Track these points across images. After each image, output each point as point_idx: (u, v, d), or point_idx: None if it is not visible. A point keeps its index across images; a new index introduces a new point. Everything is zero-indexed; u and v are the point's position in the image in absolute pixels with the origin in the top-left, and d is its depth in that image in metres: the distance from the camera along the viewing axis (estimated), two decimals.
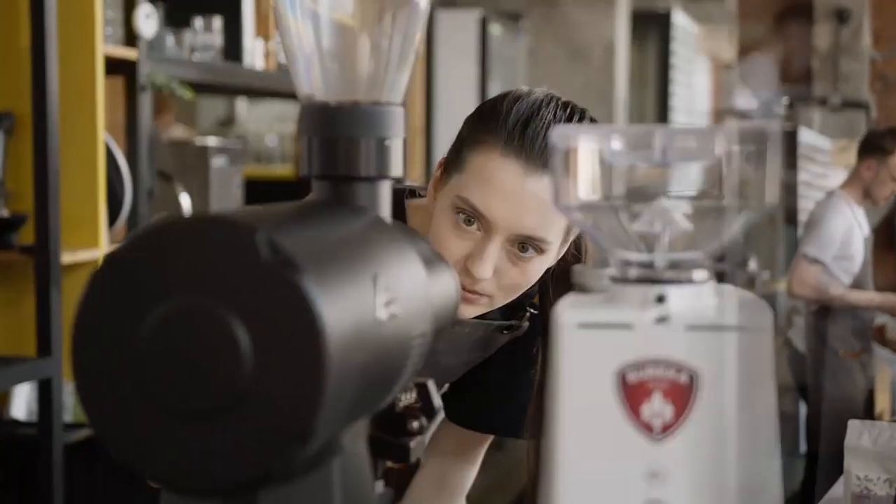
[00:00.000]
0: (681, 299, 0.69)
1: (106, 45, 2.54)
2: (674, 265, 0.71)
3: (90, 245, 2.47)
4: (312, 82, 0.80)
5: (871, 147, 4.31)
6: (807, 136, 6.92)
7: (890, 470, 1.92)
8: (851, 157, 8.42)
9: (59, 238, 2.33)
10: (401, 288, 0.72)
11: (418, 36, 0.83)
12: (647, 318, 0.68)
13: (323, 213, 0.74)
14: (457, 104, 5.03)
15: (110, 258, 0.63)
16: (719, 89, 9.52)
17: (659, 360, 0.67)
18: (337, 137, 0.78)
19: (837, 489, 2.18)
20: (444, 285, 0.85)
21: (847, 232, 4.28)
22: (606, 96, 5.68)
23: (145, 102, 2.67)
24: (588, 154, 0.70)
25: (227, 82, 3.15)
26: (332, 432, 0.66)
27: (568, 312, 0.68)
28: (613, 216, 0.71)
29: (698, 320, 0.68)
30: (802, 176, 6.66)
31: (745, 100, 5.68)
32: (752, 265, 5.51)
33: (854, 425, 1.98)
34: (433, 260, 0.85)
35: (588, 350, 0.68)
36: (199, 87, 3.23)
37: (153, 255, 0.62)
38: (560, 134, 0.70)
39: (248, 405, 0.61)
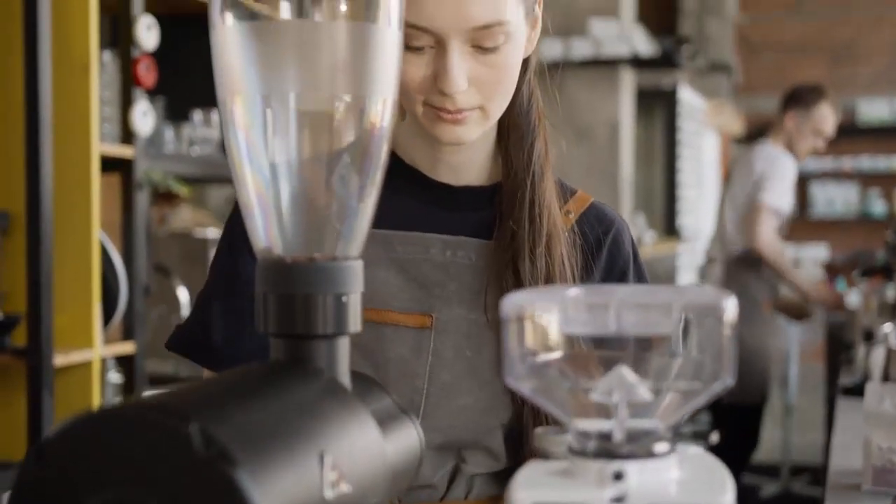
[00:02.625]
0: (641, 474, 0.66)
1: (103, 144, 2.54)
2: (634, 436, 0.68)
3: (84, 346, 2.46)
4: (269, 236, 0.78)
5: (795, 100, 4.38)
6: (686, 95, 6.96)
7: None
8: (723, 117, 8.43)
9: (52, 341, 2.31)
10: (352, 461, 0.69)
11: (377, 181, 0.81)
12: (604, 497, 0.65)
13: (271, 383, 0.71)
14: None
15: (39, 449, 0.61)
16: (728, 161, 9.54)
17: None
18: (293, 294, 0.76)
19: (852, 461, 1.95)
20: (404, 441, 0.82)
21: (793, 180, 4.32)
22: (611, 175, 5.68)
23: (142, 199, 2.67)
24: (542, 321, 0.68)
25: (226, 175, 3.15)
26: None
27: (522, 491, 0.66)
28: (569, 385, 0.69)
29: (658, 499, 0.65)
30: (680, 136, 6.78)
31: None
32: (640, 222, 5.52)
33: (873, 388, 1.79)
34: (393, 415, 0.82)
35: None
36: (198, 180, 3.24)
37: (83, 447, 0.60)
38: (512, 302, 0.68)
39: None
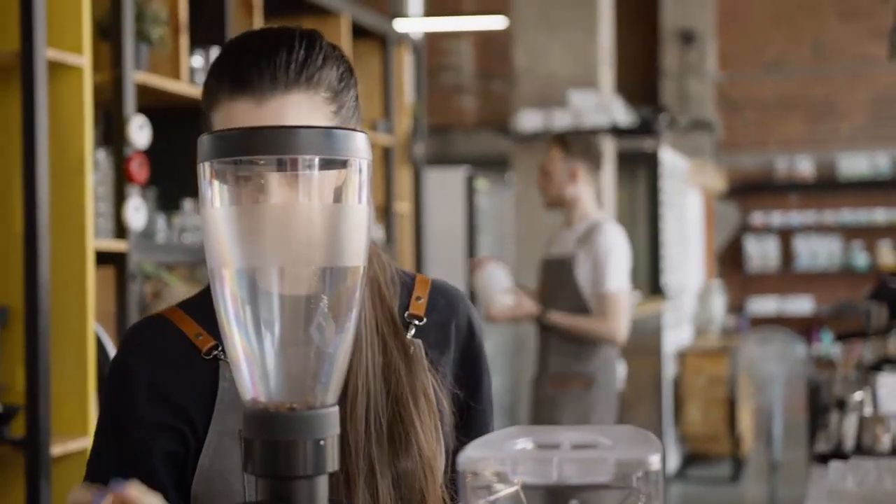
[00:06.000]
0: None
1: (97, 239, 2.65)
2: None
3: (81, 434, 2.55)
4: (255, 388, 0.89)
5: None
6: (667, 156, 7.14)
7: None
8: (706, 176, 8.55)
9: (50, 431, 2.40)
10: None
11: (350, 337, 0.91)
12: None
13: None
14: (445, 259, 5.17)
15: None
16: (712, 218, 9.68)
17: None
18: (277, 441, 0.87)
19: None
20: None
21: None
22: None
23: (134, 291, 2.77)
24: (494, 473, 0.78)
25: None
26: None
27: None
28: None
29: None
30: (662, 196, 6.87)
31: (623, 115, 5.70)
32: None
33: (836, 467, 1.86)
34: None
35: None
36: (190, 265, 3.34)
37: None
38: (466, 458, 0.78)
39: None
